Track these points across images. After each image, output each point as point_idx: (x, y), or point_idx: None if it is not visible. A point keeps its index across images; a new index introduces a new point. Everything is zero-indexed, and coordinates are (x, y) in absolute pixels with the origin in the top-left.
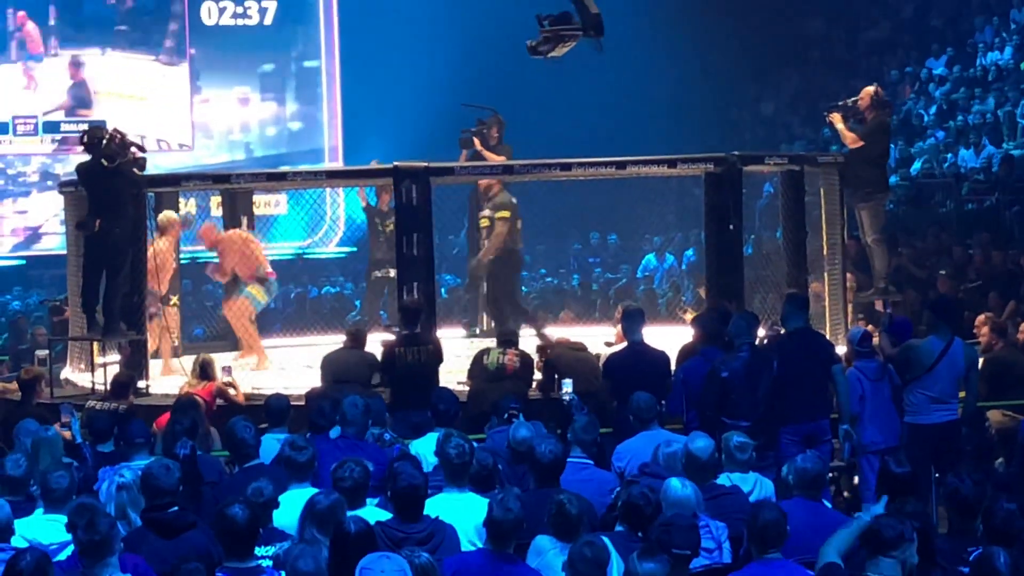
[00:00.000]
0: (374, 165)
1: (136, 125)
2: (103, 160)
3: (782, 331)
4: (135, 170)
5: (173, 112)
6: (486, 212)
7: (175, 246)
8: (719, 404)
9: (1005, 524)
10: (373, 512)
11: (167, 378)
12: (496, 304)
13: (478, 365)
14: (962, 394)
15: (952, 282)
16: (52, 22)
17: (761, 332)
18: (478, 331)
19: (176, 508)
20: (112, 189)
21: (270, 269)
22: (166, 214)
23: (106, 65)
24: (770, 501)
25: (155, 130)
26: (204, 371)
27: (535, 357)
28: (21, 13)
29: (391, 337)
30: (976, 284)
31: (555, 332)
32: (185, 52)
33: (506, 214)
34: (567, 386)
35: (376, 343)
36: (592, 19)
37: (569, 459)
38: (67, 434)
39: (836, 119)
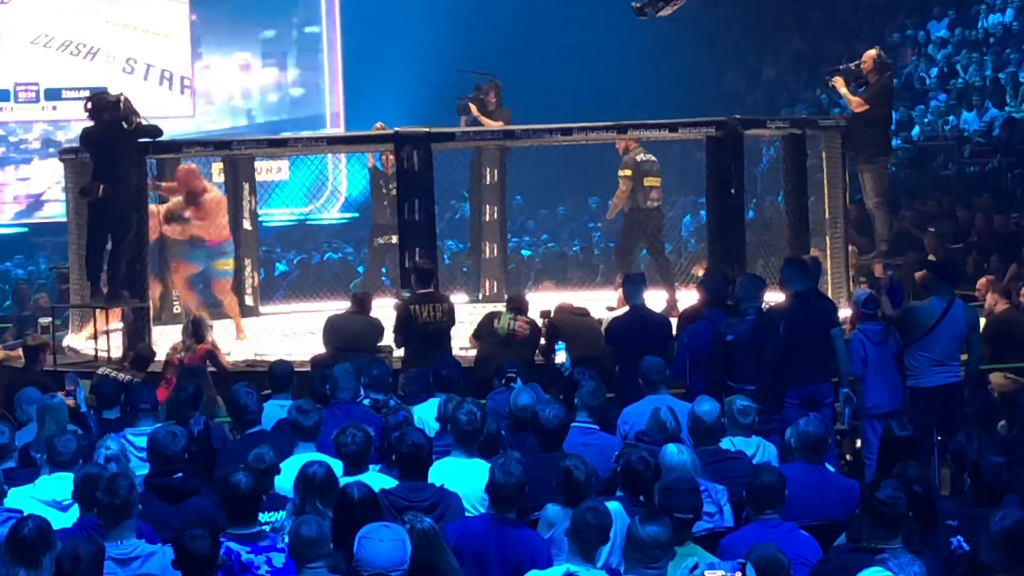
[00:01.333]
0: (378, 127)
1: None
2: (123, 123)
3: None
4: (150, 135)
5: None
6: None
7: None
8: (724, 368)
9: (992, 478)
10: (375, 478)
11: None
12: (618, 258)
13: (487, 328)
14: (964, 356)
15: (939, 241)
16: None
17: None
18: (480, 297)
19: (180, 474)
20: (118, 154)
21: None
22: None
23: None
24: (769, 464)
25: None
26: (197, 330)
27: (540, 322)
28: None
29: (407, 295)
30: (959, 245)
31: (560, 296)
32: (186, 18)
33: (627, 173)
34: (560, 350)
35: (380, 309)
36: None
37: (574, 424)
38: (71, 402)
39: (839, 83)
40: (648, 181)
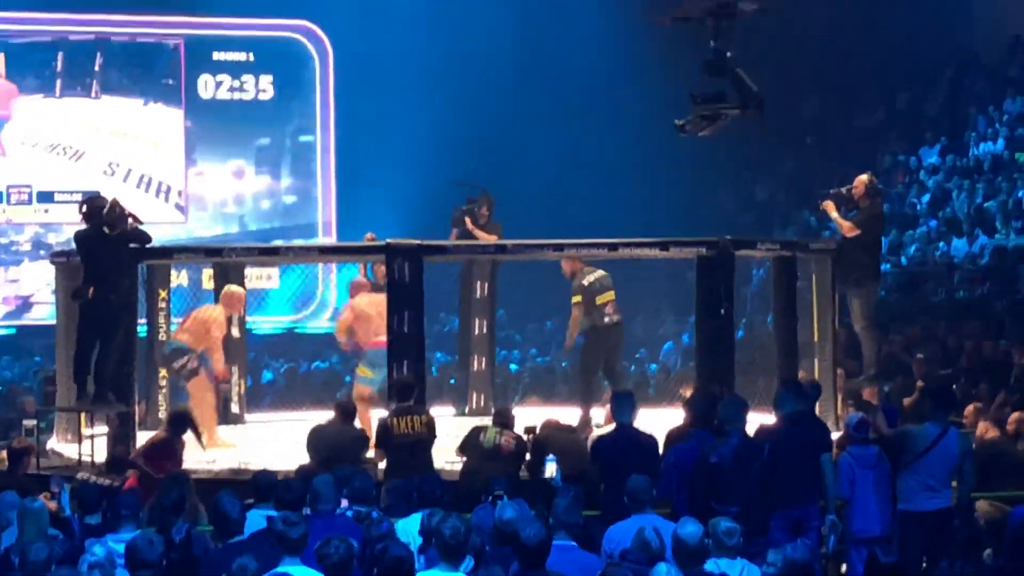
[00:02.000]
0: (369, 238)
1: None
2: (105, 227)
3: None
4: (138, 241)
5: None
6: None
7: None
8: (708, 489)
9: None
10: None
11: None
12: (580, 379)
13: (473, 442)
14: (955, 483)
15: (928, 366)
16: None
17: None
18: (467, 410)
19: None
20: (108, 258)
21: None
22: (231, 288)
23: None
24: None
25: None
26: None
27: (525, 437)
28: None
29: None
30: (948, 372)
31: (547, 413)
32: (180, 125)
33: (577, 299)
34: (551, 462)
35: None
36: (753, 96)
37: (553, 542)
38: (52, 505)
39: (829, 207)
40: (600, 299)
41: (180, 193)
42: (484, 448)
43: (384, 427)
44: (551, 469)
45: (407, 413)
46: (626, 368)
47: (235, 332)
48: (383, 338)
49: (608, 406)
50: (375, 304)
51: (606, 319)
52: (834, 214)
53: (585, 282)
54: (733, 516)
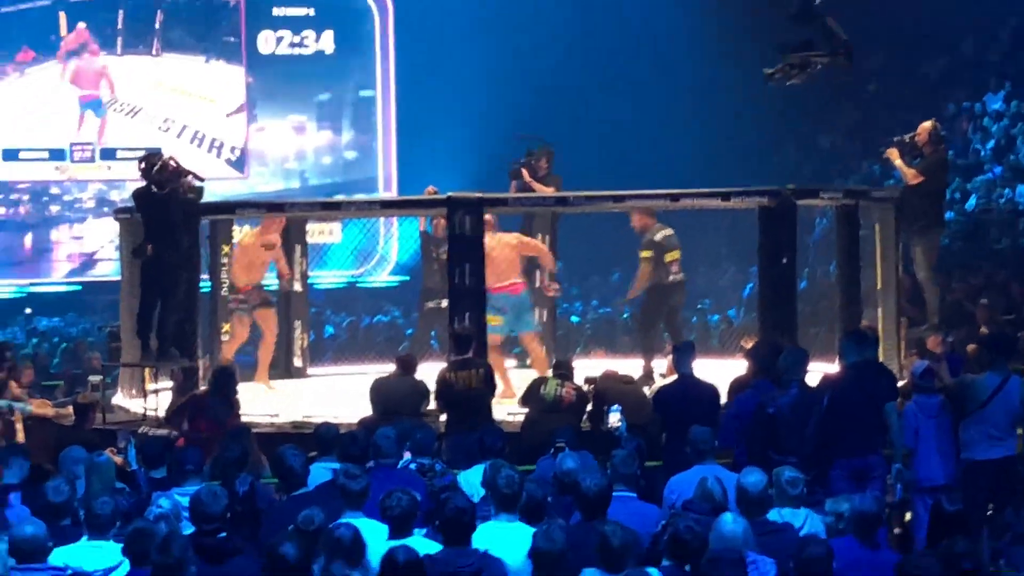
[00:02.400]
0: (430, 192)
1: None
2: (153, 187)
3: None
4: (191, 197)
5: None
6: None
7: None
8: (766, 440)
9: None
10: (420, 543)
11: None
12: (640, 332)
13: (534, 394)
14: (1021, 431)
15: (991, 314)
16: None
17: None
18: (528, 362)
19: (224, 534)
20: (165, 216)
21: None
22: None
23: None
24: (819, 536)
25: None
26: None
27: (585, 388)
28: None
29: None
30: (1011, 317)
31: (609, 364)
32: (242, 81)
33: (647, 254)
34: (615, 412)
35: (428, 372)
36: (843, 44)
37: (613, 493)
38: (119, 460)
39: (893, 155)
40: (669, 257)
41: (233, 149)
42: (545, 400)
43: (443, 380)
44: (615, 419)
45: (465, 367)
46: (687, 319)
47: (297, 287)
48: (508, 282)
49: (670, 357)
50: (496, 245)
51: (671, 277)
52: (898, 162)
53: (656, 238)
54: (792, 466)
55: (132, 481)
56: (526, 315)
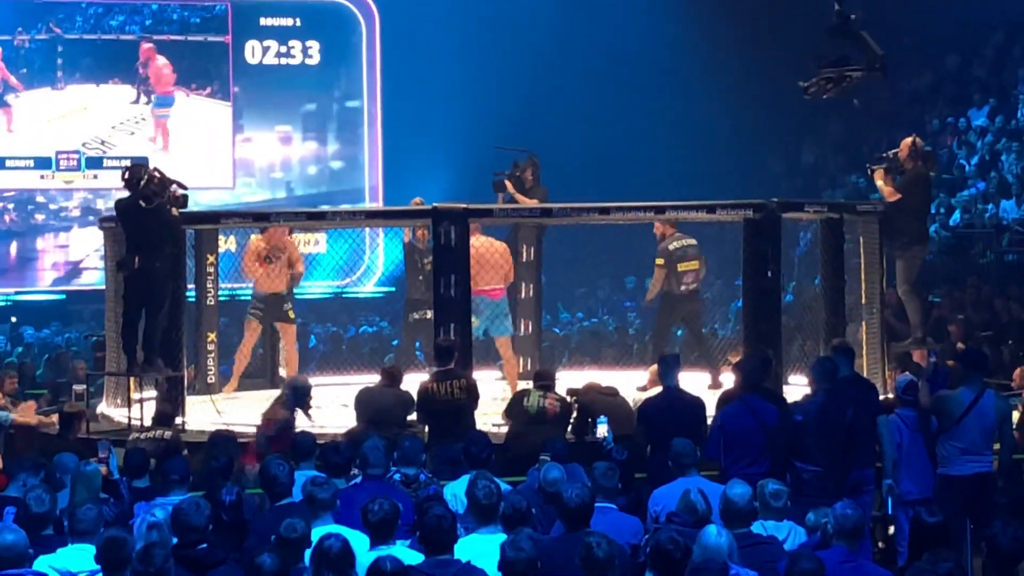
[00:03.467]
0: (416, 203)
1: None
2: (140, 200)
3: None
4: (174, 209)
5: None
6: None
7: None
8: (790, 448)
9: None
10: (402, 552)
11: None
12: (652, 341)
13: (518, 407)
14: (997, 446)
15: (967, 329)
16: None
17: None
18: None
19: (205, 545)
20: (150, 227)
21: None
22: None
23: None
24: (808, 550)
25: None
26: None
27: (568, 399)
28: None
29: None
30: (988, 333)
31: (592, 376)
32: (229, 91)
33: (660, 261)
34: (603, 424)
35: (413, 383)
36: (878, 58)
37: (595, 504)
38: (103, 470)
39: (878, 175)
40: (682, 267)
41: (223, 159)
42: (529, 412)
43: (424, 392)
44: (603, 431)
45: (447, 378)
46: (674, 333)
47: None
48: (489, 287)
49: (651, 369)
50: (486, 250)
51: (682, 287)
52: (879, 181)
53: (670, 247)
54: (816, 476)
55: (115, 491)
56: (501, 320)
